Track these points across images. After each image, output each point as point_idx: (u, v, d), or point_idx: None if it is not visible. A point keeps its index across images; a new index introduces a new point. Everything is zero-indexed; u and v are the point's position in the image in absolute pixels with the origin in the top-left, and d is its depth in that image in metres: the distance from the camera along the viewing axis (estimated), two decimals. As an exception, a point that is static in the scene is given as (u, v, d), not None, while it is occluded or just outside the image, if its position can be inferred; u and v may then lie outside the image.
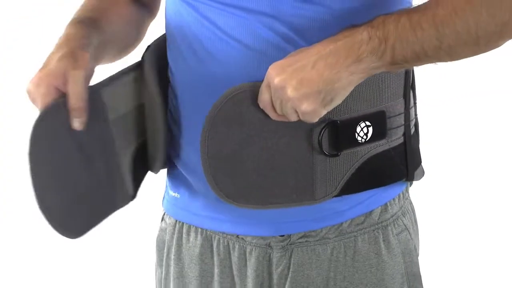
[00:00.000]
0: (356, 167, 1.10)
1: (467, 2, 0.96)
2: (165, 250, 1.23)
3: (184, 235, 1.19)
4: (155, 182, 1.60)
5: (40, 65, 1.03)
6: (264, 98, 1.01)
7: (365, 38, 0.96)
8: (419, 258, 1.24)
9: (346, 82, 0.98)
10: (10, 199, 3.06)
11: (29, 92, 1.01)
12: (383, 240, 1.16)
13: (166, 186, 1.24)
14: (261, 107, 1.02)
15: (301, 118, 1.00)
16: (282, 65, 0.98)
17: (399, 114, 1.12)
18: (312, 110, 0.98)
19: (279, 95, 0.98)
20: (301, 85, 0.96)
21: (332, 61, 0.96)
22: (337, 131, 1.06)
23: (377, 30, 0.96)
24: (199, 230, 1.18)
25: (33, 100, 1.01)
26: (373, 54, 0.97)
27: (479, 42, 0.99)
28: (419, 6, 1.00)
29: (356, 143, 1.08)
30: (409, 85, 1.14)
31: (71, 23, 1.10)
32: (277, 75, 0.98)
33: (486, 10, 0.96)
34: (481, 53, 1.02)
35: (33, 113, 0.98)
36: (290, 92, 0.97)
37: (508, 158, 2.99)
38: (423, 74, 1.22)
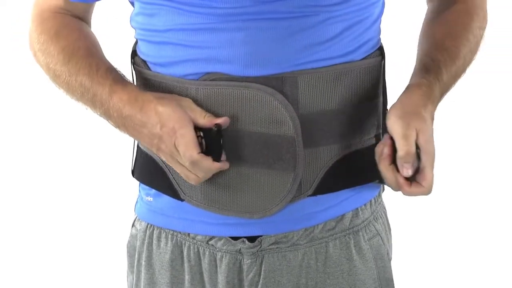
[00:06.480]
0: (330, 165, 1.11)
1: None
2: (136, 256, 1.23)
3: (154, 241, 1.20)
4: (126, 188, 1.60)
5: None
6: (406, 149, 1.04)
7: (439, 94, 1.11)
8: (393, 262, 1.25)
9: None
10: (10, 199, 3.08)
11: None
12: (354, 246, 1.16)
13: (140, 191, 1.24)
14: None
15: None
16: (424, 131, 1.04)
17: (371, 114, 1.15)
18: None
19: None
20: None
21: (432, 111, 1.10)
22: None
23: (439, 85, 1.11)
24: (170, 236, 1.18)
25: None
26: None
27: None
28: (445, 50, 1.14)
29: None
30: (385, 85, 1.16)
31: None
32: (427, 142, 1.04)
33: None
34: None
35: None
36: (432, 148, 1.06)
37: (482, 164, 2.99)
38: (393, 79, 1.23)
